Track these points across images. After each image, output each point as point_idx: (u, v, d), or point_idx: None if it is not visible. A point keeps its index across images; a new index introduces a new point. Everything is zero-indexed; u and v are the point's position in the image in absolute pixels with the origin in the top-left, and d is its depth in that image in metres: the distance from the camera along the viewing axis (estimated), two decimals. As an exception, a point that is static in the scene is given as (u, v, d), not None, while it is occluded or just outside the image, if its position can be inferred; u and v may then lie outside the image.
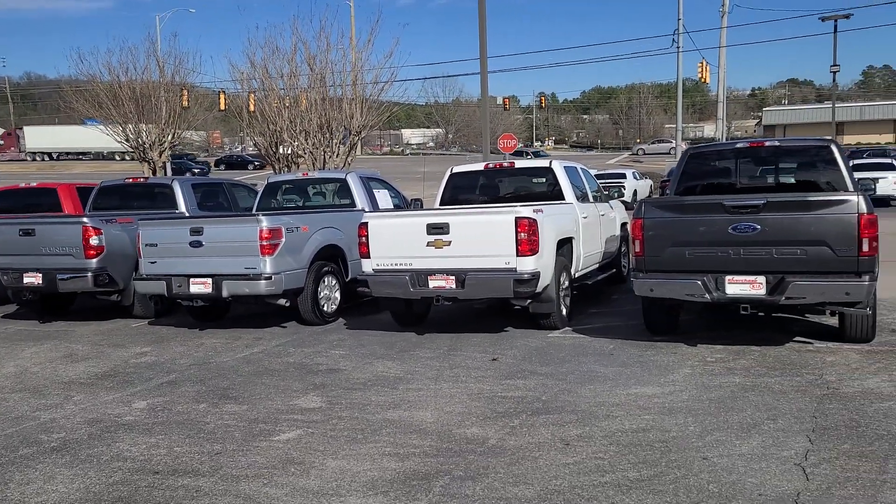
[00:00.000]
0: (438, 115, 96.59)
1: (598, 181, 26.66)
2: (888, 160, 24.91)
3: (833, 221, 6.11)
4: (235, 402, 5.92)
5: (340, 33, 18.85)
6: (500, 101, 76.02)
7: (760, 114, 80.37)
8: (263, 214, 8.50)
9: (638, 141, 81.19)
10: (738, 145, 8.30)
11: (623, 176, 28.66)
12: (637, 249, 6.86)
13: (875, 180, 22.06)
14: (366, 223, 7.84)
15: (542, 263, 7.46)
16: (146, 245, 8.64)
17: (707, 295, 6.53)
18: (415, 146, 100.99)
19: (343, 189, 10.24)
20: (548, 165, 9.15)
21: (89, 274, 8.94)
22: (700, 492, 3.88)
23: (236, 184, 12.75)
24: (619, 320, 8.46)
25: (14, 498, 4.20)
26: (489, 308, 9.08)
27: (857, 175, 22.11)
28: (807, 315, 8.01)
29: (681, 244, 6.66)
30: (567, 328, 8.12)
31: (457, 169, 9.59)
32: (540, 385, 5.99)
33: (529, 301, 7.61)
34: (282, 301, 8.45)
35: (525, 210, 7.38)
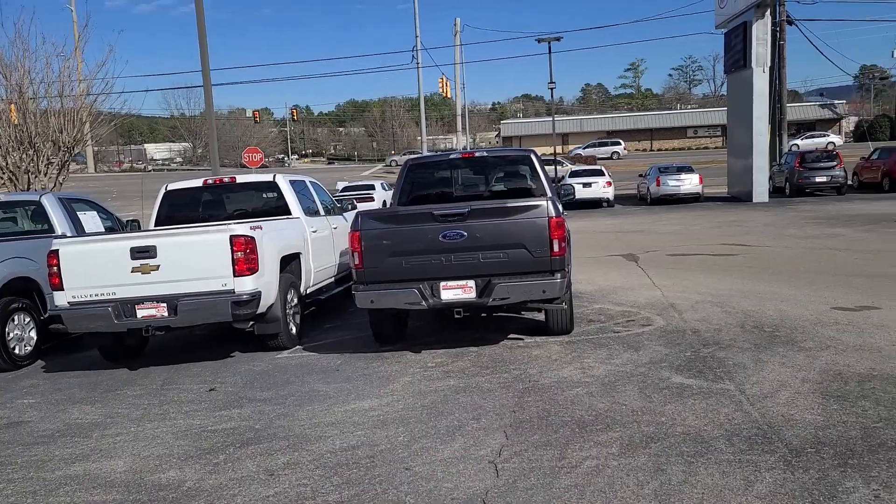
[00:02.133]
0: (184, 129, 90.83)
1: (349, 193, 26.71)
2: (599, 167, 28.29)
3: (527, 225, 6.59)
4: None
5: (41, 39, 16.73)
6: (249, 113, 73.61)
7: (500, 126, 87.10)
8: (-77, 247, 7.13)
9: (392, 153, 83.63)
10: (453, 156, 8.71)
11: (372, 187, 29.19)
12: (356, 262, 6.83)
13: (588, 184, 24.88)
14: (56, 251, 6.90)
15: (263, 282, 7.14)
16: None
17: (424, 302, 6.69)
18: (159, 162, 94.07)
19: (38, 213, 8.98)
20: (271, 180, 8.85)
21: None
22: (397, 505, 3.86)
23: None
24: (351, 333, 8.42)
25: None
26: (214, 333, 8.53)
27: (569, 181, 24.80)
28: (522, 312, 8.61)
29: (398, 254, 6.75)
30: (298, 347, 7.89)
31: (172, 186, 8.90)
32: (256, 412, 5.67)
33: (252, 323, 7.25)
34: (-45, 348, 7.15)
35: (240, 227, 7.00)
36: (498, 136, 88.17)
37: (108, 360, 7.67)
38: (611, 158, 57.96)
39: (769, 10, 24.65)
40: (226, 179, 8.89)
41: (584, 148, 62.96)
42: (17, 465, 4.89)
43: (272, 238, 7.45)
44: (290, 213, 8.67)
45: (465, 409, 5.36)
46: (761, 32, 24.01)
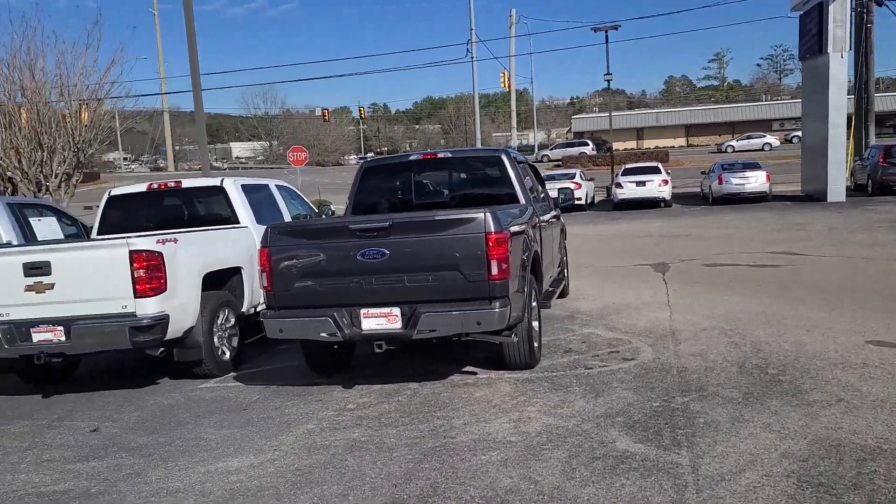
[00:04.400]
0: (261, 128, 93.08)
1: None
2: (655, 164, 26.36)
3: (460, 242, 5.43)
4: None
5: (55, 37, 16.51)
6: (318, 112, 74.34)
7: (572, 121, 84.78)
8: None
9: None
10: (412, 157, 7.61)
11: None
12: (265, 283, 5.85)
13: (642, 183, 23.19)
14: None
15: (174, 304, 6.26)
16: None
17: (339, 333, 5.65)
18: (243, 160, 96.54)
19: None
20: (218, 184, 8.00)
21: None
22: None
23: None
24: (296, 359, 7.47)
25: None
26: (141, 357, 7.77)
27: (620, 179, 23.01)
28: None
29: (311, 276, 5.74)
30: (230, 374, 7.01)
31: (115, 192, 8.19)
32: (110, 468, 4.78)
33: (162, 350, 6.41)
34: None
35: (144, 241, 6.15)
36: (569, 131, 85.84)
37: (28, 382, 7.03)
38: (579, 158, 55.28)
39: (850, -11, 22.19)
40: (171, 184, 8.11)
41: (552, 150, 63.97)
42: None
43: (192, 252, 6.58)
44: (237, 222, 7.81)
45: (343, 479, 4.29)
46: (839, 13, 21.59)
